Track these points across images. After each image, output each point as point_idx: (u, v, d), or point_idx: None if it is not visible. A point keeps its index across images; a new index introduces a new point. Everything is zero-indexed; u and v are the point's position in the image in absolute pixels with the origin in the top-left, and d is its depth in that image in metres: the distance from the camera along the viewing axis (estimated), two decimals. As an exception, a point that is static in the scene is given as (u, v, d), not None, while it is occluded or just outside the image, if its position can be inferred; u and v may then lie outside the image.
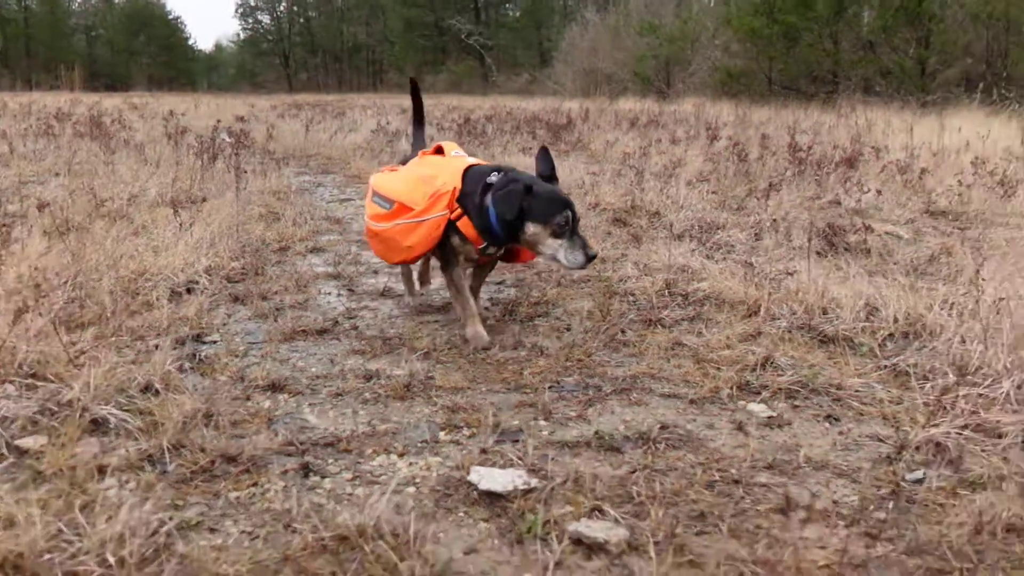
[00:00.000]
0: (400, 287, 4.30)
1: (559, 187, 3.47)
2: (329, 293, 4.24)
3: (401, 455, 2.37)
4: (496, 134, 12.39)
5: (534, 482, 2.15)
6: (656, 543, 1.86)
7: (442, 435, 2.51)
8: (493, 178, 3.40)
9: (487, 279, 4.10)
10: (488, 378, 3.04)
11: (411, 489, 2.16)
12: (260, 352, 3.27)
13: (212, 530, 1.93)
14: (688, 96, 25.12)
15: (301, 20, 73.00)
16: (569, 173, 8.07)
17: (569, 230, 3.25)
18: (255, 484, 2.16)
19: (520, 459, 2.31)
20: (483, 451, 2.37)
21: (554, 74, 38.21)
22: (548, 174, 3.50)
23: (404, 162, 4.02)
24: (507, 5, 61.97)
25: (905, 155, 9.17)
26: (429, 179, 3.51)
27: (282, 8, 72.77)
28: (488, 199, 3.35)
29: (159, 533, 1.84)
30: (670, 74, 30.61)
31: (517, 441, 2.44)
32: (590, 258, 3.25)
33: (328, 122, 16.20)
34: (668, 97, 26.04)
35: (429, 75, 52.81)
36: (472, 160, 3.70)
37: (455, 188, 3.43)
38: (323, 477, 2.22)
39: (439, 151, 3.81)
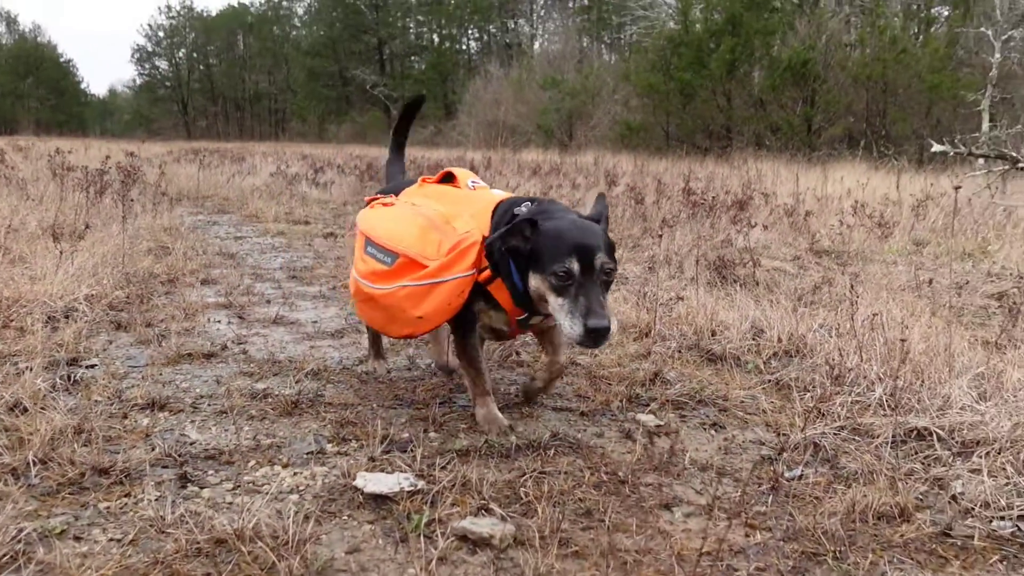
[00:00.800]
0: (295, 315, 4.22)
1: (593, 227, 2.44)
2: (219, 321, 4.12)
3: (285, 466, 2.30)
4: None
5: (421, 484, 2.12)
6: (542, 537, 1.86)
7: (329, 447, 2.46)
8: (522, 209, 2.55)
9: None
10: (380, 395, 2.99)
11: (294, 496, 2.10)
12: (141, 375, 3.14)
13: (78, 538, 1.83)
14: (590, 148, 25.74)
15: (201, 67, 71.76)
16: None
17: (574, 284, 2.28)
18: (128, 495, 2.06)
19: (408, 466, 2.27)
20: (371, 459, 2.33)
21: (459, 125, 38.62)
22: (593, 216, 2.57)
23: (396, 190, 3.07)
24: (412, 58, 62.51)
25: (792, 200, 9.58)
26: (443, 222, 2.60)
27: (181, 55, 71.50)
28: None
29: (17, 540, 1.73)
30: (572, 127, 31.36)
31: (406, 450, 2.41)
32: (591, 332, 2.21)
33: (227, 166, 15.91)
34: (570, 149, 26.62)
35: (332, 124, 52.64)
36: (501, 193, 2.77)
37: (484, 237, 2.53)
38: (201, 487, 2.13)
39: (447, 178, 2.92)
